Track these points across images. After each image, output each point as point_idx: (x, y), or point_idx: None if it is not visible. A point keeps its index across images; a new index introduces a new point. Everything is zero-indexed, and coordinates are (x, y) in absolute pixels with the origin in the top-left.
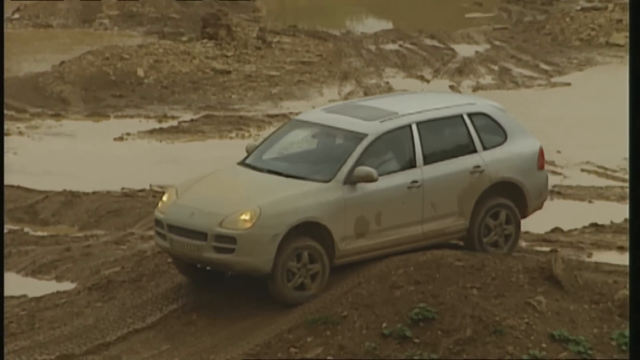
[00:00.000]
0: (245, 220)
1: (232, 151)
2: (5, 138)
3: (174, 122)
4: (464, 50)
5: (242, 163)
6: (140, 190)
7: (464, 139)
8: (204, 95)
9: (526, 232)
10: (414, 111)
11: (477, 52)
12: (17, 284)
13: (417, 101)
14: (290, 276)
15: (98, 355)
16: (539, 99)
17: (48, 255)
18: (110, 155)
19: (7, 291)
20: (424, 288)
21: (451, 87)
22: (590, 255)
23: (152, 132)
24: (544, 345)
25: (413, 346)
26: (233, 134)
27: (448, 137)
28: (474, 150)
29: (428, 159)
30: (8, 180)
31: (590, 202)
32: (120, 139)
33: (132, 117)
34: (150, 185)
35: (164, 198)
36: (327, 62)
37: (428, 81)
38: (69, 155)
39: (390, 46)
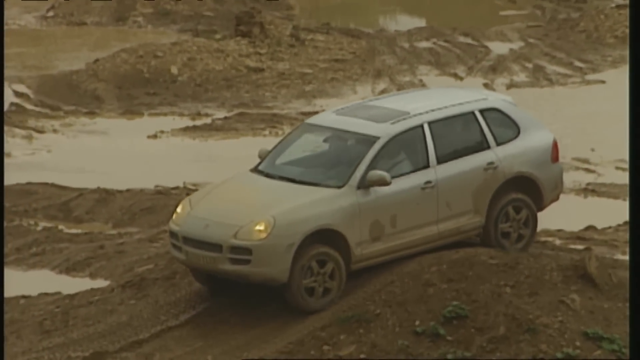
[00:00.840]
0: (260, 231)
1: None
2: (40, 136)
3: (208, 120)
4: (498, 47)
5: (255, 170)
6: (173, 188)
7: (476, 135)
8: (237, 93)
9: (560, 230)
10: (425, 110)
11: (511, 49)
12: (51, 281)
13: (428, 99)
14: (307, 284)
15: (131, 353)
16: (573, 97)
17: (82, 253)
18: (143, 153)
19: (42, 288)
20: (457, 286)
21: (485, 84)
22: (624, 253)
23: (185, 129)
24: (577, 343)
25: (446, 344)
26: (266, 132)
27: (460, 135)
28: (487, 147)
29: (441, 158)
30: (42, 177)
31: (624, 200)
32: (154, 136)
33: (165, 114)
34: (184, 183)
35: (178, 209)
36: (361, 60)
37: (461, 79)
38: (103, 153)
39: (424, 44)
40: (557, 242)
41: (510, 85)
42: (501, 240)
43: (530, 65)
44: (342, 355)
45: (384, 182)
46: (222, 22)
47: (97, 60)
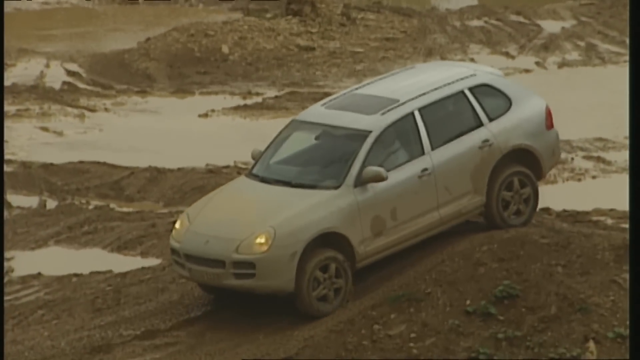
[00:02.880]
0: (261, 244)
1: None
2: (91, 114)
3: (258, 99)
4: (550, 26)
5: (250, 174)
6: (224, 167)
7: (468, 115)
8: (288, 72)
9: (612, 210)
10: (414, 96)
11: (563, 28)
12: (103, 260)
13: (416, 81)
14: (316, 289)
15: (183, 331)
16: (626, 75)
17: (133, 232)
18: (194, 132)
19: (94, 266)
20: (508, 265)
21: (537, 63)
22: None
23: (236, 108)
24: (629, 323)
25: (497, 323)
26: None
27: (452, 117)
28: (480, 124)
29: (435, 143)
30: (94, 156)
31: None
32: (205, 115)
33: (216, 93)
34: (235, 161)
35: (177, 225)
36: (412, 39)
37: (513, 57)
38: (154, 132)
39: (476, 22)
40: (609, 221)
41: (562, 64)
42: (504, 216)
43: (582, 44)
44: (392, 334)
45: (380, 178)
46: (273, 1)
47: (148, 39)
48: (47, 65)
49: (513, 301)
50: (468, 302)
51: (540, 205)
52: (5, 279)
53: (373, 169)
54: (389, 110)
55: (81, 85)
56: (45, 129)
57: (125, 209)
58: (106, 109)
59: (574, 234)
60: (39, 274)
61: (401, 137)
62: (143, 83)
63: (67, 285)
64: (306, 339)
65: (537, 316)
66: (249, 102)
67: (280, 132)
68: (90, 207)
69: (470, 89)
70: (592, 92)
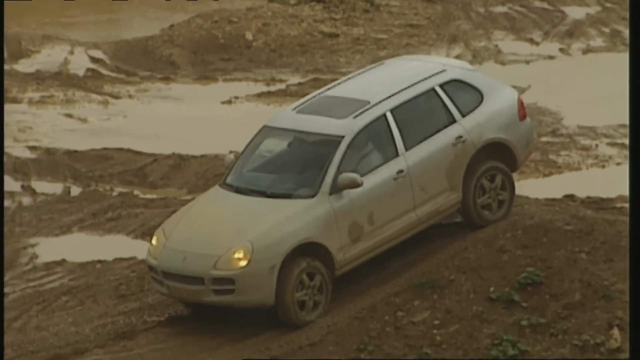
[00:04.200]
0: (239, 259)
1: None
2: (115, 101)
3: (282, 86)
4: (574, 12)
5: (224, 184)
6: None
7: (440, 112)
8: (311, 59)
9: None
10: (385, 96)
11: (587, 14)
12: (127, 246)
13: (386, 80)
14: (299, 298)
15: (206, 318)
16: None
17: (157, 218)
18: (218, 119)
19: (118, 253)
20: (531, 252)
21: (561, 49)
22: None
23: (260, 95)
24: None
25: (520, 310)
26: None
27: (424, 115)
28: (453, 121)
29: (409, 144)
30: (118, 143)
31: None
32: (229, 102)
33: (240, 80)
34: None
35: (153, 241)
36: (435, 25)
37: (537, 44)
38: (178, 119)
39: (500, 9)
40: None
41: (587, 50)
42: (481, 212)
43: (607, 30)
44: (415, 321)
45: (355, 185)
46: None
47: (172, 26)
48: (71, 52)
49: (537, 288)
50: (492, 289)
51: (564, 192)
52: (30, 266)
53: (348, 175)
54: (360, 113)
55: (105, 72)
56: (69, 116)
57: (148, 196)
58: (130, 96)
59: (597, 221)
60: (63, 260)
61: (374, 139)
62: (166, 70)
63: (91, 272)
64: (329, 326)
65: (560, 303)
66: (272, 88)
67: (252, 139)
68: (114, 193)
69: (441, 86)
70: (616, 78)
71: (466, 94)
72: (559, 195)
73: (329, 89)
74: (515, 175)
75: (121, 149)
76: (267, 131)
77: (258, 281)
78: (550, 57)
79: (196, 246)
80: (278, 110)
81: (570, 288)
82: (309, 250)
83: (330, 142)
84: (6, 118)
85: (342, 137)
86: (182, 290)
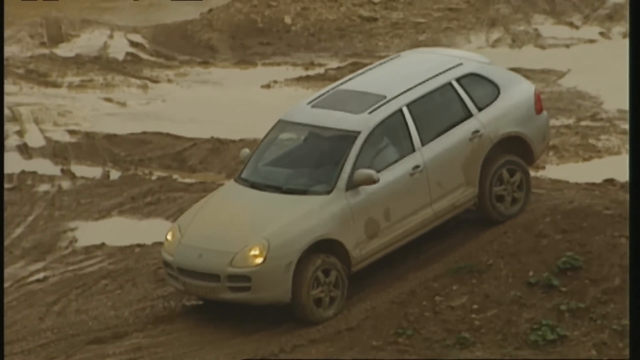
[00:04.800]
0: (255, 256)
1: None
2: (154, 85)
3: (321, 70)
4: None
5: (239, 178)
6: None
7: (456, 106)
8: (350, 43)
9: None
10: (401, 91)
11: None
12: (166, 230)
13: (402, 74)
14: (315, 295)
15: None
16: None
17: (195, 202)
18: (257, 103)
19: (157, 237)
20: (571, 237)
21: (601, 33)
22: None
23: (298, 79)
24: None
25: (559, 295)
26: None
27: (441, 110)
28: (469, 115)
29: (425, 139)
30: (157, 127)
31: None
32: (267, 86)
33: (279, 64)
34: None
35: (168, 237)
36: (475, 9)
37: (577, 28)
38: (217, 103)
39: None
40: None
41: (627, 34)
42: (497, 206)
43: None
44: (454, 305)
45: (371, 181)
46: None
47: (211, 10)
48: (111, 36)
49: (576, 273)
50: (530, 273)
51: (604, 177)
52: (69, 249)
53: (364, 172)
54: (376, 108)
55: (144, 56)
56: (108, 100)
57: (187, 180)
58: (169, 80)
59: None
60: (103, 244)
61: (390, 134)
62: (206, 54)
63: (130, 256)
64: (367, 310)
65: (600, 288)
66: (311, 73)
67: (268, 133)
68: (153, 177)
69: (458, 80)
70: None
71: (483, 88)
72: (598, 179)
73: (344, 82)
74: (554, 160)
75: (160, 133)
76: (282, 125)
77: (274, 278)
78: (591, 41)
79: (212, 243)
80: None
81: (609, 273)
82: (324, 247)
83: (346, 137)
84: (46, 102)
85: (359, 132)
86: (197, 287)
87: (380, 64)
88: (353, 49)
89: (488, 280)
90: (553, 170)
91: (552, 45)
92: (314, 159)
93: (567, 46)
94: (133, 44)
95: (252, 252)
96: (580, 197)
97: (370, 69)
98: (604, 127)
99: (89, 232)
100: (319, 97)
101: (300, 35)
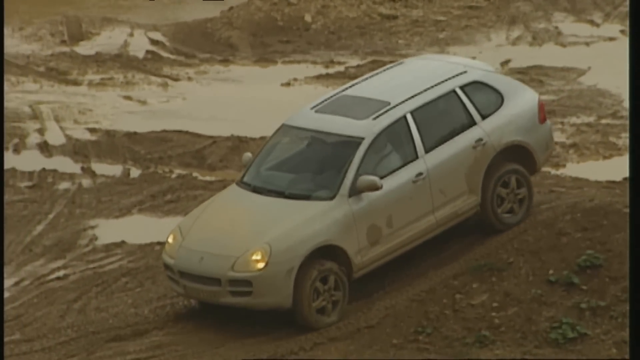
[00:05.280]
0: (257, 261)
1: None
2: (174, 83)
3: (341, 68)
4: None
5: (241, 182)
6: None
7: (460, 114)
8: (370, 41)
9: None
10: (405, 98)
11: None
12: None
13: (406, 80)
14: (317, 306)
15: None
16: None
17: None
18: (277, 101)
19: None
20: (591, 235)
21: (621, 31)
22: None
23: (318, 77)
24: None
25: (580, 293)
26: None
27: (444, 117)
28: (473, 123)
29: (428, 146)
30: (177, 125)
31: None
32: (287, 84)
33: (299, 62)
34: None
35: (170, 239)
36: (495, 7)
37: (598, 25)
38: (237, 101)
39: None
40: None
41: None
42: (500, 216)
43: None
44: (474, 303)
45: (374, 187)
46: None
47: (231, 8)
48: (131, 34)
49: (596, 271)
50: (551, 271)
51: (624, 175)
52: (89, 247)
53: (367, 178)
54: (380, 115)
55: (164, 54)
56: (128, 98)
57: (207, 178)
58: (189, 78)
59: None
60: (123, 242)
61: (394, 141)
62: (226, 52)
63: (150, 254)
64: (387, 308)
65: (620, 286)
66: (331, 71)
67: (271, 137)
68: (173, 175)
69: (462, 87)
70: None
71: (487, 96)
72: (619, 177)
73: (348, 88)
74: (575, 157)
75: (180, 131)
76: (285, 130)
77: (276, 283)
78: (611, 39)
79: (213, 247)
80: None
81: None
82: (326, 253)
83: (350, 143)
84: (66, 100)
85: (362, 138)
86: (198, 290)
87: (384, 70)
88: (373, 46)
89: (508, 278)
90: (573, 168)
91: (573, 43)
92: (316, 164)
93: (588, 44)
94: (153, 42)
95: (254, 257)
96: (600, 195)
97: (373, 75)
98: (624, 125)
99: (109, 230)
100: (323, 102)
101: (321, 33)
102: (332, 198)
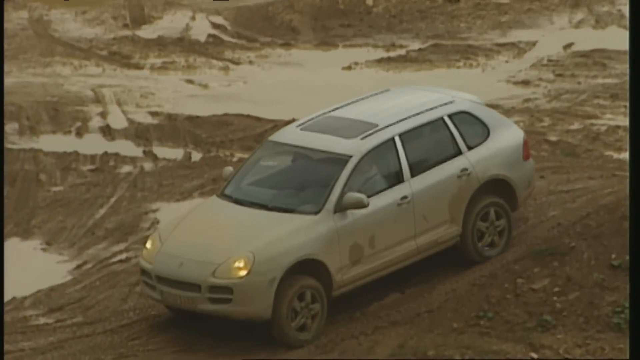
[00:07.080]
0: (239, 268)
1: (459, 81)
2: (236, 67)
3: (402, 52)
4: None
5: (222, 194)
6: None
7: (447, 142)
8: (432, 24)
9: None
10: (393, 121)
11: None
12: None
13: (393, 105)
14: (294, 320)
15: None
16: None
17: None
18: (338, 85)
19: None
20: None
21: None
22: None
23: (380, 61)
24: None
25: None
26: (461, 63)
27: (432, 144)
28: (459, 152)
29: (414, 171)
30: (238, 109)
31: None
32: (349, 68)
33: (360, 46)
34: None
35: (148, 245)
36: None
37: None
38: (298, 85)
39: None
40: None
41: None
42: (479, 248)
43: None
44: (535, 288)
45: (361, 205)
46: None
47: None
48: (193, 18)
49: None
50: (613, 256)
51: None
52: (151, 230)
53: (354, 195)
54: (368, 135)
55: (226, 38)
56: (190, 82)
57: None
58: (250, 62)
59: None
60: None
61: (381, 162)
62: (287, 36)
63: None
64: (448, 293)
65: None
66: (392, 54)
67: (254, 153)
68: (235, 159)
69: (450, 116)
70: None
71: (473, 127)
72: None
73: (332, 110)
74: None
75: (241, 115)
76: (269, 145)
77: (257, 293)
78: None
79: (194, 252)
80: (398, 77)
81: None
82: (307, 268)
83: (337, 160)
84: (128, 84)
85: (350, 156)
86: (176, 296)
87: (368, 96)
88: (434, 30)
89: (570, 263)
90: None
91: None
92: (300, 181)
93: None
94: (215, 25)
95: (237, 264)
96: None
97: (358, 100)
98: None
99: (170, 214)
100: (308, 121)
101: (382, 17)
102: (317, 213)
